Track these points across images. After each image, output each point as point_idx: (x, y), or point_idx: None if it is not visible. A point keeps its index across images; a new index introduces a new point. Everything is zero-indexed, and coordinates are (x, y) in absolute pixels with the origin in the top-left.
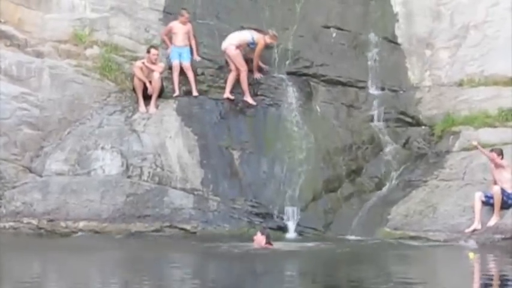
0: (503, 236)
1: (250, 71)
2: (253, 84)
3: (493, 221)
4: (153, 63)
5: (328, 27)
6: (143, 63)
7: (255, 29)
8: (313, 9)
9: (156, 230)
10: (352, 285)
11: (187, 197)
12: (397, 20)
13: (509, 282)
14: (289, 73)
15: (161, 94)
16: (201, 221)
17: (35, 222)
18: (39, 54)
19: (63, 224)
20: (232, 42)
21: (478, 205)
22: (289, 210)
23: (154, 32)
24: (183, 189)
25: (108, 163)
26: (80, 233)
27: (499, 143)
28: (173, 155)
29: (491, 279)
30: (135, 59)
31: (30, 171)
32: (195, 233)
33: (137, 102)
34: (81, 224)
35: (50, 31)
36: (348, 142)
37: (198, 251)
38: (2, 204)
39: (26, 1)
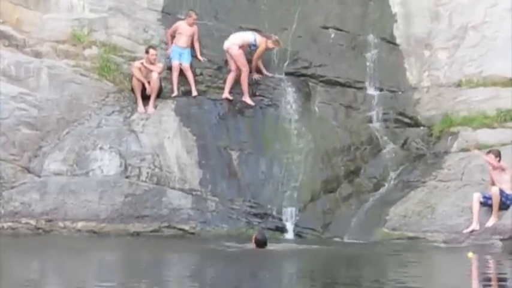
0: (501, 237)
1: (250, 71)
2: (251, 84)
3: (491, 222)
4: (152, 64)
5: (327, 28)
6: (142, 63)
7: (257, 32)
8: (312, 9)
9: (155, 231)
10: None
11: (186, 197)
12: (396, 21)
13: (507, 283)
14: (287, 73)
15: (160, 94)
16: (200, 221)
17: (33, 222)
18: (37, 54)
19: (61, 224)
20: (236, 41)
21: (476, 206)
22: (288, 210)
23: (153, 32)
24: (182, 190)
25: (106, 163)
26: (78, 234)
27: (497, 144)
28: (172, 156)
29: (490, 281)
30: (134, 59)
31: (29, 172)
32: (193, 233)
33: (136, 102)
34: (79, 225)
35: (48, 31)
36: (347, 143)
37: (196, 251)
38: (0, 205)
39: (24, 1)
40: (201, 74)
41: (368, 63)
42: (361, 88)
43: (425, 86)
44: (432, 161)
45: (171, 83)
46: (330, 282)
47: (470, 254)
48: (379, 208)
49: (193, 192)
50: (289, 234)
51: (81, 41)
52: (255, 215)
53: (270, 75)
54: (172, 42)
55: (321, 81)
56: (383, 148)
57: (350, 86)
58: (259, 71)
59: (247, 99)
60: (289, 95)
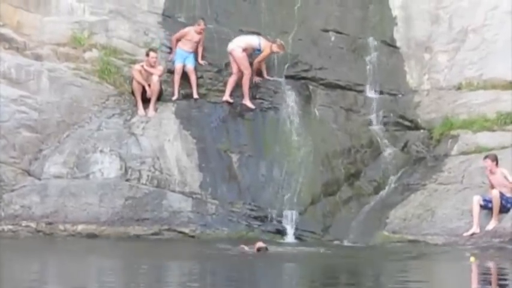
0: (501, 240)
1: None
2: (252, 87)
3: (491, 225)
4: (152, 67)
5: (327, 31)
6: (142, 66)
7: (262, 36)
8: (312, 13)
9: (155, 233)
10: None
11: (186, 200)
12: (396, 24)
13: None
14: (288, 77)
15: (160, 97)
16: (200, 224)
17: (33, 225)
18: (38, 57)
19: (61, 227)
20: (240, 44)
21: (476, 209)
22: (288, 213)
23: (153, 35)
24: (182, 193)
25: (106, 166)
26: (78, 237)
27: (497, 147)
28: (172, 158)
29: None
30: (134, 62)
31: (29, 174)
32: (193, 236)
33: (136, 105)
34: (79, 227)
35: (48, 34)
36: (347, 146)
37: (196, 253)
38: (1, 208)
39: (25, 4)
40: (201, 77)
41: (368, 66)
42: (361, 91)
43: (426, 89)
44: (432, 164)
45: (172, 86)
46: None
47: (472, 259)
48: (380, 211)
49: (194, 195)
50: (290, 237)
51: (81, 43)
52: (255, 218)
53: (270, 78)
54: (176, 46)
55: (321, 84)
56: (383, 151)
57: (350, 89)
58: (259, 74)
59: (247, 102)
60: (290, 98)
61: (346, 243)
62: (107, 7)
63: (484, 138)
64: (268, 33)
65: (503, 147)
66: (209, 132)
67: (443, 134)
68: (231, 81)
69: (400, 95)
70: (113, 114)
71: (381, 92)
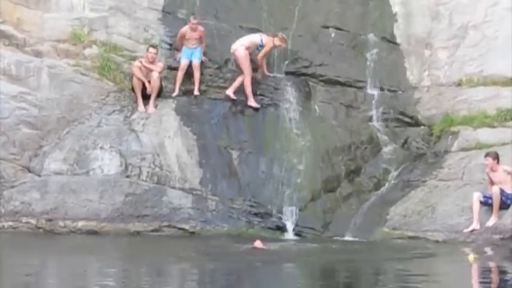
0: (502, 236)
1: (254, 70)
2: (252, 83)
3: (491, 221)
4: (151, 63)
5: (327, 27)
6: (140, 61)
7: (262, 32)
8: (312, 9)
9: (155, 230)
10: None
11: (186, 196)
12: (396, 20)
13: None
14: (288, 73)
15: (160, 94)
16: (200, 220)
17: (33, 221)
18: (37, 54)
19: (61, 223)
20: (243, 43)
21: (476, 205)
22: (288, 210)
23: (153, 31)
24: (182, 189)
25: (107, 163)
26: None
27: (497, 143)
28: (172, 155)
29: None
30: (134, 58)
31: (29, 171)
32: (193, 232)
33: (136, 101)
34: (79, 224)
35: (48, 30)
36: (347, 142)
37: (198, 250)
38: (1, 204)
39: (24, 0)
40: (202, 73)
41: (368, 63)
42: (361, 87)
43: (426, 85)
44: (432, 160)
45: (174, 82)
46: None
47: (471, 257)
48: (380, 207)
49: (194, 192)
50: (290, 234)
51: (81, 40)
52: (255, 214)
53: (270, 74)
54: (182, 46)
55: (321, 81)
56: (383, 147)
57: (350, 86)
58: (262, 71)
59: (252, 103)
60: (290, 95)
61: (346, 238)
62: (106, 4)
63: (484, 135)
64: (268, 29)
65: (504, 144)
66: (209, 129)
67: (444, 130)
68: (239, 79)
69: (400, 92)
70: (113, 111)
71: (381, 89)
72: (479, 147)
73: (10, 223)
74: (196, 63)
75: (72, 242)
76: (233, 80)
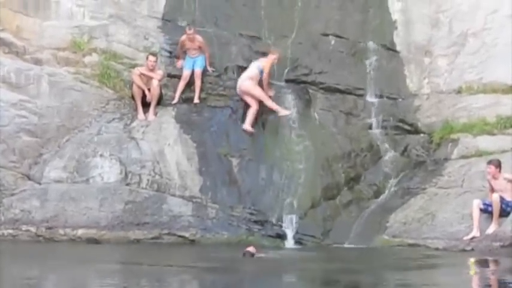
0: (502, 244)
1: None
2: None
3: (491, 229)
4: (151, 70)
5: (327, 35)
6: (139, 70)
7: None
8: (312, 16)
9: (155, 238)
10: None
11: (186, 204)
12: (396, 28)
13: None
14: (287, 81)
15: (160, 101)
16: (200, 228)
17: (33, 229)
18: (37, 62)
19: (61, 231)
20: (244, 77)
21: (476, 213)
22: (288, 217)
23: (153, 39)
24: (182, 197)
25: (106, 170)
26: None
27: (497, 151)
28: (172, 163)
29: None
30: (134, 66)
31: (29, 179)
32: (193, 240)
33: (136, 109)
34: (79, 232)
35: (48, 38)
36: (347, 149)
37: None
38: (1, 212)
39: (24, 8)
40: (201, 81)
41: (368, 70)
42: (361, 95)
43: (426, 93)
44: (432, 167)
45: (174, 90)
46: None
47: (472, 272)
48: (380, 215)
49: (194, 199)
50: (290, 242)
51: (81, 48)
52: (255, 222)
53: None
54: (183, 54)
55: (321, 88)
56: (383, 155)
57: (350, 93)
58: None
59: (248, 127)
60: (290, 102)
61: (346, 246)
62: (106, 11)
63: (484, 142)
64: (268, 37)
65: (503, 151)
66: (209, 137)
67: (443, 137)
68: (251, 112)
69: (400, 99)
70: (113, 119)
71: (381, 96)
72: (479, 154)
73: (10, 231)
74: (198, 71)
75: (72, 251)
76: (233, 88)
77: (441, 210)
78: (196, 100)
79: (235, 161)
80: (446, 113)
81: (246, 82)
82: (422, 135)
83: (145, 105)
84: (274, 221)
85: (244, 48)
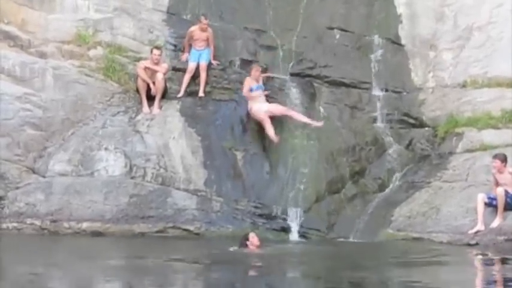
0: (506, 238)
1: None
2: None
3: (496, 223)
4: (156, 64)
5: (332, 29)
6: (143, 63)
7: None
8: (317, 10)
9: (160, 231)
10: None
11: (191, 197)
12: (401, 21)
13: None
14: (292, 74)
15: (165, 95)
16: (205, 221)
17: (38, 222)
18: (42, 55)
19: (66, 224)
20: (264, 106)
21: (480, 206)
22: (292, 211)
23: (158, 32)
24: (187, 190)
25: (111, 164)
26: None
27: (502, 145)
28: (176, 156)
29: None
30: (139, 59)
31: (34, 172)
32: (198, 233)
33: (141, 103)
34: (84, 225)
35: (53, 32)
36: (351, 143)
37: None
38: (5, 205)
39: (29, 2)
40: (207, 75)
41: (373, 64)
42: (366, 89)
43: (430, 86)
44: (437, 161)
45: (180, 84)
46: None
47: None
48: (384, 209)
49: (198, 193)
50: (294, 235)
51: (86, 41)
52: (260, 215)
53: (275, 76)
54: (189, 47)
55: (326, 82)
56: (388, 149)
57: (355, 87)
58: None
59: (274, 137)
60: (294, 96)
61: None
62: (111, 5)
63: (489, 136)
64: (273, 30)
65: (508, 145)
66: (214, 130)
67: (448, 131)
68: (268, 128)
69: (404, 93)
70: (118, 112)
71: (386, 90)
72: (483, 148)
73: (15, 224)
74: (203, 64)
75: (77, 244)
76: (238, 81)
77: (446, 204)
78: (201, 94)
79: (239, 155)
80: (451, 107)
81: (272, 106)
82: (427, 129)
83: (150, 98)
84: (278, 214)
85: (249, 41)
